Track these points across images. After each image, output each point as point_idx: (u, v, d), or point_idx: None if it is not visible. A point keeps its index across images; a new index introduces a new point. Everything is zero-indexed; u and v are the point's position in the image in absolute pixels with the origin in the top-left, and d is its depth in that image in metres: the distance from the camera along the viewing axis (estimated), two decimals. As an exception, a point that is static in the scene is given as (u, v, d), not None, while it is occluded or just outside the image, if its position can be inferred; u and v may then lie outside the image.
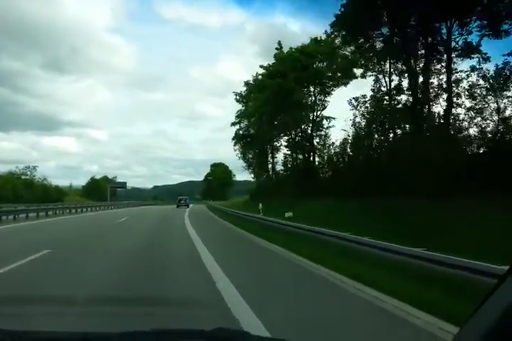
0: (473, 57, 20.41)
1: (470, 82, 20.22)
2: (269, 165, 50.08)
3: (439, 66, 22.02)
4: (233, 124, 53.34)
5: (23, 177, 55.77)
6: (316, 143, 37.41)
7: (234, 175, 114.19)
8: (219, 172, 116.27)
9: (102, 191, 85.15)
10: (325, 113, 37.86)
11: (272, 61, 39.99)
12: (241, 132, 53.38)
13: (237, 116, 52.89)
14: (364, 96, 26.36)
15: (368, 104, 25.95)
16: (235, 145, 55.06)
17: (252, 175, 57.06)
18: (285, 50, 38.35)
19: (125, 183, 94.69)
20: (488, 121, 18.77)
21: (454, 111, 20.36)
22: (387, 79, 24.89)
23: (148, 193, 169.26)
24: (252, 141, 49.92)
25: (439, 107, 21.93)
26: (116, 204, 55.26)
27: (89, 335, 1.34)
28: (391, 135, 24.84)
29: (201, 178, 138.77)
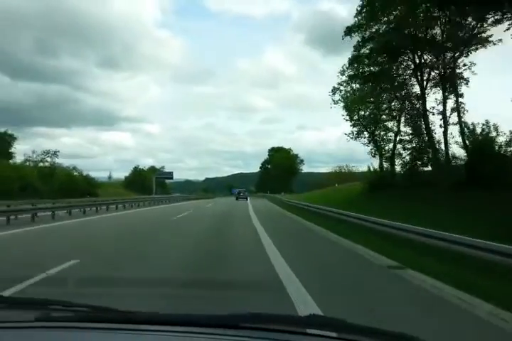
0: None
1: None
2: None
3: None
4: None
5: (41, 164, 46.56)
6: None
7: (302, 162, 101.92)
8: (279, 159, 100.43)
9: (146, 182, 76.04)
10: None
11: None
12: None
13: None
14: None
15: None
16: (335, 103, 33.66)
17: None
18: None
19: (171, 173, 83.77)
20: None
21: None
22: None
23: (200, 185, 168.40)
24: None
25: None
26: (160, 199, 44.47)
27: (193, 317, 1.35)
28: None
29: (251, 170, 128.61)
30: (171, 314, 1.42)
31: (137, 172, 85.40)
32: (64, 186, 40.92)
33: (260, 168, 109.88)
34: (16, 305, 1.49)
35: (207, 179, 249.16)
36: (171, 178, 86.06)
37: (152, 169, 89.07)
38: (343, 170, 68.64)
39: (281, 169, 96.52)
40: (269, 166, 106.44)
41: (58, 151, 49.86)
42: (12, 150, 50.94)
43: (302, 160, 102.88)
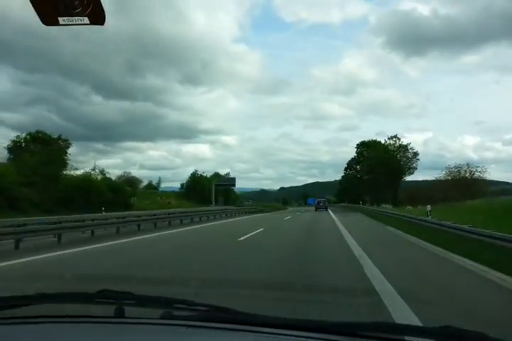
0: None
1: None
2: None
3: None
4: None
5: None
6: None
7: (417, 156, 69.18)
8: (375, 153, 69.99)
9: (206, 191, 65.97)
10: None
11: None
12: None
13: None
14: None
15: None
16: None
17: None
18: None
19: (233, 180, 72.50)
20: None
21: None
22: None
23: (275, 194, 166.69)
24: None
25: None
26: (222, 212, 34.56)
27: (314, 323, 1.35)
28: None
29: (327, 179, 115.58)
30: (291, 318, 1.38)
31: (195, 178, 75.16)
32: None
33: (345, 173, 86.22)
34: (144, 302, 1.51)
35: (282, 188, 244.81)
36: (233, 185, 74.58)
37: (215, 175, 78.95)
38: (462, 175, 53.53)
39: (380, 172, 68.26)
40: (358, 167, 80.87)
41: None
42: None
43: (416, 154, 70.92)
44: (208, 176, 76.72)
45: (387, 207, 41.67)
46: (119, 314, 1.43)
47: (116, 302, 1.46)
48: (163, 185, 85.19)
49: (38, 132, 56.82)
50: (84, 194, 34.13)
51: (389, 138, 72.33)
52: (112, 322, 1.41)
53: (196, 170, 79.46)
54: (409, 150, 72.05)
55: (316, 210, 52.88)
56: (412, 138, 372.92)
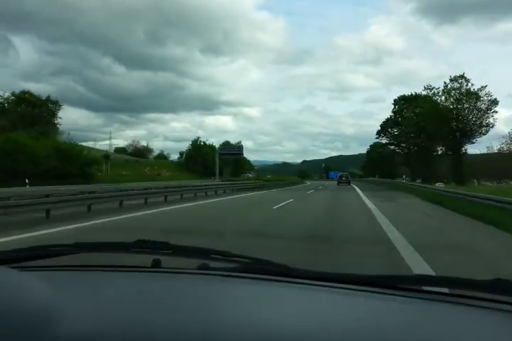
0: None
1: None
2: None
3: None
4: None
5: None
6: None
7: (495, 105, 46.09)
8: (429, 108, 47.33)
9: (211, 161, 56.14)
10: None
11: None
12: None
13: None
14: None
15: None
16: None
17: None
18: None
19: (240, 149, 61.10)
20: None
21: None
22: None
23: (297, 167, 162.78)
24: None
25: None
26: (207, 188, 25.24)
27: (353, 276, 1.31)
28: None
29: (351, 152, 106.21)
30: (331, 272, 1.36)
31: (197, 147, 64.62)
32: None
33: (377, 138, 69.40)
34: (180, 252, 1.50)
35: (304, 161, 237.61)
36: (239, 154, 62.46)
37: (224, 144, 68.29)
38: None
39: (432, 135, 48.71)
40: (395, 131, 62.85)
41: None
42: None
43: (494, 102, 47.04)
44: (213, 144, 66.83)
45: (442, 186, 29.76)
46: (156, 264, 1.45)
47: (153, 252, 1.47)
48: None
49: (24, 92, 52.09)
50: (7, 161, 24.57)
51: (451, 81, 47.64)
52: (148, 271, 1.42)
53: (198, 137, 68.72)
54: (483, 98, 46.67)
55: (338, 184, 48.08)
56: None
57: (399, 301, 1.14)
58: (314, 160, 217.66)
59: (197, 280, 1.32)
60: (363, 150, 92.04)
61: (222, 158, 57.61)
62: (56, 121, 54.98)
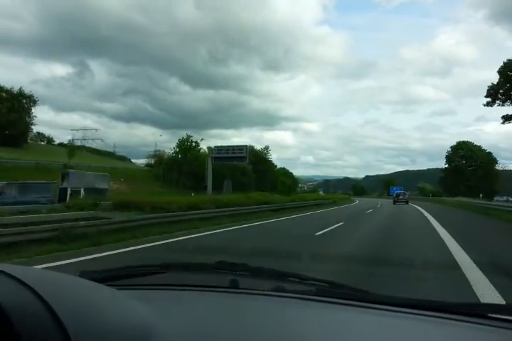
0: None
1: None
2: None
3: None
4: None
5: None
6: None
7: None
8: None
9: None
10: None
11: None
12: None
13: None
14: None
15: None
16: None
17: None
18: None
19: (244, 150, 44.94)
20: None
21: None
22: None
23: (359, 183, 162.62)
24: None
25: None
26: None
27: (434, 303, 1.28)
28: None
29: (418, 167, 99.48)
30: (405, 297, 1.33)
31: (183, 148, 51.46)
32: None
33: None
34: (258, 274, 1.54)
35: (367, 176, 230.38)
36: (243, 159, 45.19)
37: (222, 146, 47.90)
38: None
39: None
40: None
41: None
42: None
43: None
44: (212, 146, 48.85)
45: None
46: (234, 285, 1.47)
47: (232, 273, 1.51)
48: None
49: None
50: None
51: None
52: (228, 291, 1.45)
53: (189, 136, 53.09)
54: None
55: (394, 203, 42.84)
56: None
57: (480, 329, 1.09)
58: (378, 175, 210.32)
59: (273, 301, 1.33)
60: (432, 165, 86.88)
61: (225, 166, 46.35)
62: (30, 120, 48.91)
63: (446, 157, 76.99)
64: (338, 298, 1.31)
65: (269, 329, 1.05)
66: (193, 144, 52.45)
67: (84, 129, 59.50)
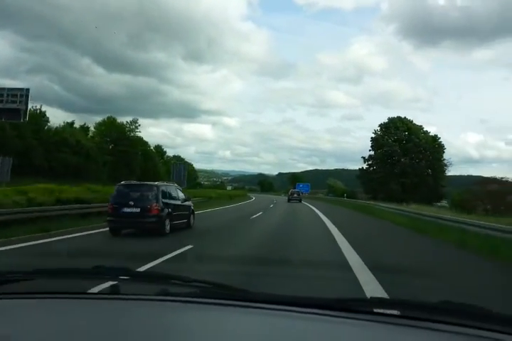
0: None
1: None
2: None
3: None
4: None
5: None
6: None
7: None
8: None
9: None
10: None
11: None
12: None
13: None
14: None
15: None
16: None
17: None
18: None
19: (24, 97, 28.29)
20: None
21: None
22: None
23: (272, 179, 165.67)
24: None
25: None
26: None
27: (312, 299, 1.33)
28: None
29: (326, 167, 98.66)
30: (289, 295, 1.35)
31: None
32: None
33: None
34: (138, 278, 1.49)
35: (280, 173, 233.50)
36: (17, 116, 28.42)
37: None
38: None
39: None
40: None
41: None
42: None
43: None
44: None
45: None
46: (114, 290, 1.41)
47: (111, 278, 1.45)
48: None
49: None
50: None
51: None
52: (106, 298, 1.39)
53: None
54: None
55: (288, 201, 43.30)
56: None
57: (354, 324, 1.15)
58: (290, 173, 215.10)
59: (156, 306, 1.30)
60: (339, 166, 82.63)
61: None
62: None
63: (373, 140, 56.80)
64: (221, 298, 1.31)
65: (149, 336, 1.02)
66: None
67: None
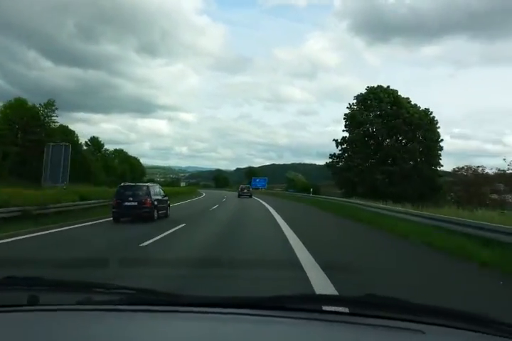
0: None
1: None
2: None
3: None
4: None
5: None
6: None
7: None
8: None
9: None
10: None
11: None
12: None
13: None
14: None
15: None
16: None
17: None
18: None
19: None
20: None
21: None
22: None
23: (230, 175, 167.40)
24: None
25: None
26: None
27: (238, 299, 1.35)
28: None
29: (283, 162, 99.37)
30: (217, 296, 1.35)
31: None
32: None
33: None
34: (58, 287, 1.42)
35: (238, 169, 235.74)
36: None
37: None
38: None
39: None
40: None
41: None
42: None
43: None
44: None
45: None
46: (32, 301, 1.32)
47: (28, 288, 1.37)
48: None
49: None
50: None
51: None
52: (23, 310, 1.30)
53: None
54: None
55: (238, 197, 43.71)
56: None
57: (283, 322, 1.16)
58: (248, 168, 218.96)
59: (77, 316, 1.26)
60: (296, 160, 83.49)
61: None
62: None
63: (347, 117, 42.79)
64: (145, 304, 1.28)
65: None
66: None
67: None
